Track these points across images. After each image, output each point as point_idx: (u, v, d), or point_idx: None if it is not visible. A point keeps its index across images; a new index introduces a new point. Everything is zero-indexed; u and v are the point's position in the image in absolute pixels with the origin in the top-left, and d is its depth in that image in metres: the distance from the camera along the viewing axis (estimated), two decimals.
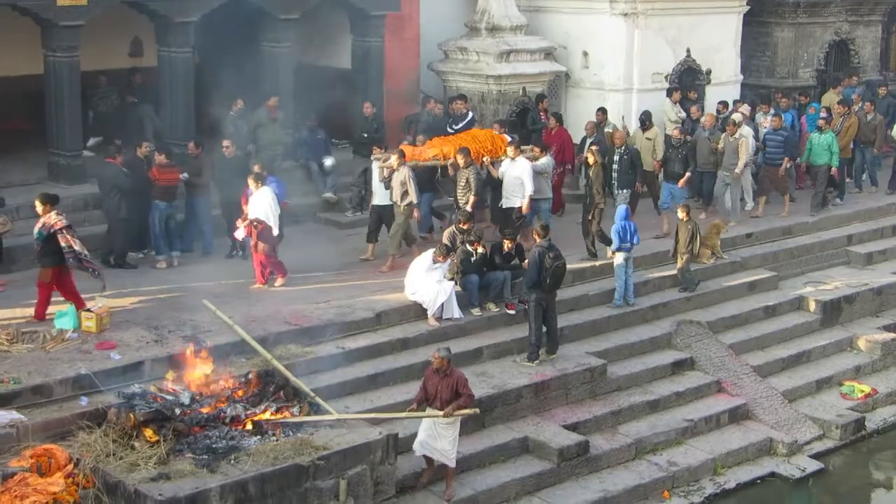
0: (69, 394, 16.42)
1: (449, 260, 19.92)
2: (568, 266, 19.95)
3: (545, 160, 23.01)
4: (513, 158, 22.41)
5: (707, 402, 20.45)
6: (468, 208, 21.33)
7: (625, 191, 23.69)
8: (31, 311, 18.60)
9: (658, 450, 19.09)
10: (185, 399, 16.25)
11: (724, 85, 29.35)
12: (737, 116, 26.60)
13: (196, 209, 22.19)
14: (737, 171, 24.88)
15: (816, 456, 19.87)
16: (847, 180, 28.43)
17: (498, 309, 20.46)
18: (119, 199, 20.98)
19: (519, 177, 22.31)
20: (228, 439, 15.53)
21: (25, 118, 23.93)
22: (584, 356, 20.00)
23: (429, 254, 19.95)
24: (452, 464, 16.82)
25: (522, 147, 23.18)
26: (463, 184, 21.94)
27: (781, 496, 19.07)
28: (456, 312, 19.94)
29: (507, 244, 20.46)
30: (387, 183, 21.82)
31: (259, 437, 15.68)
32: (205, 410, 16.14)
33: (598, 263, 22.43)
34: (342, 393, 17.56)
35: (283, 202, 21.27)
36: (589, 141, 24.85)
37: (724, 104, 28.11)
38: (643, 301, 22.03)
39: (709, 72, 29.09)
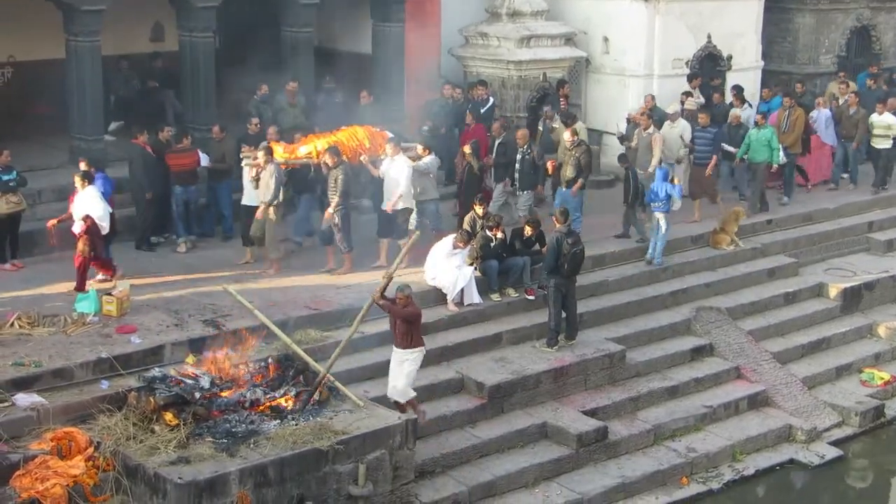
0: (90, 377, 16.52)
1: (469, 245, 19.93)
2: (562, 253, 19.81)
3: (428, 159, 21.53)
4: (391, 157, 21.09)
5: (726, 388, 20.45)
6: (331, 209, 20.39)
7: (525, 193, 22.69)
8: (49, 292, 18.87)
9: (677, 436, 19.09)
10: (206, 383, 16.29)
11: (745, 71, 29.28)
12: (673, 108, 25.62)
13: (218, 193, 22.29)
14: (649, 169, 23.14)
15: (835, 443, 19.84)
16: (842, 177, 27.61)
17: (517, 294, 20.47)
18: (142, 180, 21.11)
19: (397, 177, 21.01)
20: (248, 423, 15.57)
21: (47, 102, 23.98)
22: (603, 342, 20.01)
23: (449, 239, 19.97)
24: (406, 397, 16.85)
25: (405, 145, 21.79)
26: (332, 184, 20.51)
27: (800, 483, 19.06)
28: (475, 298, 19.96)
29: (527, 230, 20.45)
30: (256, 182, 20.78)
31: (278, 421, 15.71)
32: (225, 394, 16.20)
33: (616, 250, 22.41)
34: (362, 377, 17.61)
35: (109, 197, 20.35)
36: (497, 142, 23.17)
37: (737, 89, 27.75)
38: (663, 287, 22.04)
39: (730, 58, 29.03)
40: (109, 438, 15.11)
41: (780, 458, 19.30)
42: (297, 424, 15.61)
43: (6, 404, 15.59)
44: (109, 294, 18.29)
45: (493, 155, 23.14)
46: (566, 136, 22.91)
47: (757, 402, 20.29)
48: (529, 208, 22.68)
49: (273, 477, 14.83)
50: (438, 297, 19.88)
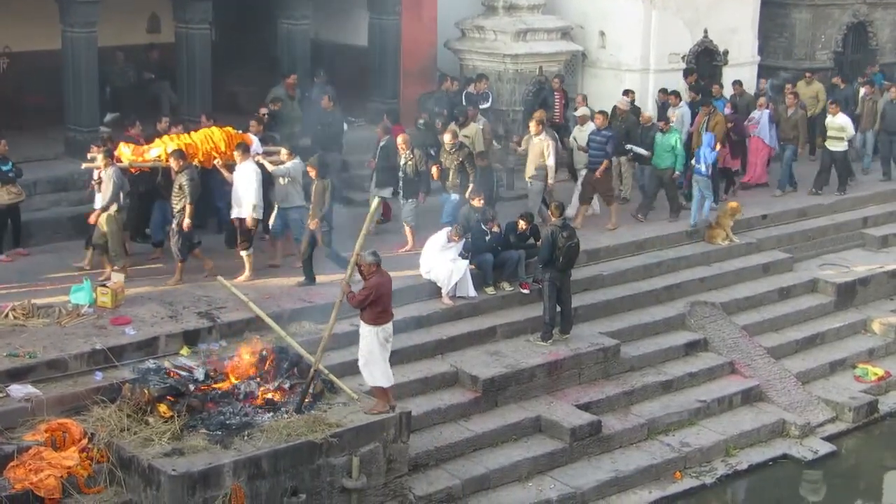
0: (84, 368, 16.52)
1: (464, 240, 19.93)
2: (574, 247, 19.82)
3: (291, 164, 20.00)
4: (240, 163, 19.73)
5: (720, 383, 20.48)
6: (187, 219, 19.05)
7: (409, 201, 21.57)
8: (47, 286, 18.79)
9: (670, 430, 19.12)
10: (200, 375, 16.31)
11: (742, 66, 29.26)
12: (582, 111, 24.52)
13: (210, 185, 22.11)
14: (550, 180, 22.40)
15: (829, 438, 19.89)
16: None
17: (512, 288, 20.48)
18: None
19: (244, 185, 19.62)
20: (242, 415, 15.58)
21: (43, 93, 23.95)
22: (597, 336, 20.03)
23: (444, 232, 19.98)
24: (371, 381, 16.34)
25: (269, 149, 20.75)
26: (177, 189, 19.19)
27: (793, 478, 19.09)
28: (470, 291, 19.97)
29: (521, 224, 20.46)
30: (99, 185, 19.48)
31: (272, 413, 15.73)
32: (219, 386, 16.21)
33: (611, 244, 22.43)
34: (356, 370, 17.56)
35: None
36: (381, 145, 22.23)
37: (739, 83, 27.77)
38: (657, 282, 22.07)
39: (726, 53, 29.01)
40: (103, 430, 15.11)
41: (773, 453, 19.33)
42: (290, 417, 15.63)
43: (0, 395, 15.58)
44: (104, 285, 18.29)
45: (375, 159, 22.27)
46: (446, 137, 21.87)
47: (751, 397, 20.32)
48: (413, 217, 21.61)
49: (267, 469, 14.85)
50: (433, 290, 19.88)
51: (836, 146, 26.29)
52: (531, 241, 20.52)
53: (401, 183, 21.62)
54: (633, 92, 26.22)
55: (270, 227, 20.39)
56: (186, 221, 19.08)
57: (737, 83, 27.56)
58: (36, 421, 15.37)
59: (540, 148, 22.36)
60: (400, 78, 26.65)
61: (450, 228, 19.95)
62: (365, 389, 16.60)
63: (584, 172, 23.43)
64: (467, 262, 19.95)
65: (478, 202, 20.46)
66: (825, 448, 19.60)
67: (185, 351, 17.24)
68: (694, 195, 23.83)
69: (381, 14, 26.44)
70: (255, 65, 26.19)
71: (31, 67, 24.07)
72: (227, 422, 15.41)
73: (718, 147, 23.80)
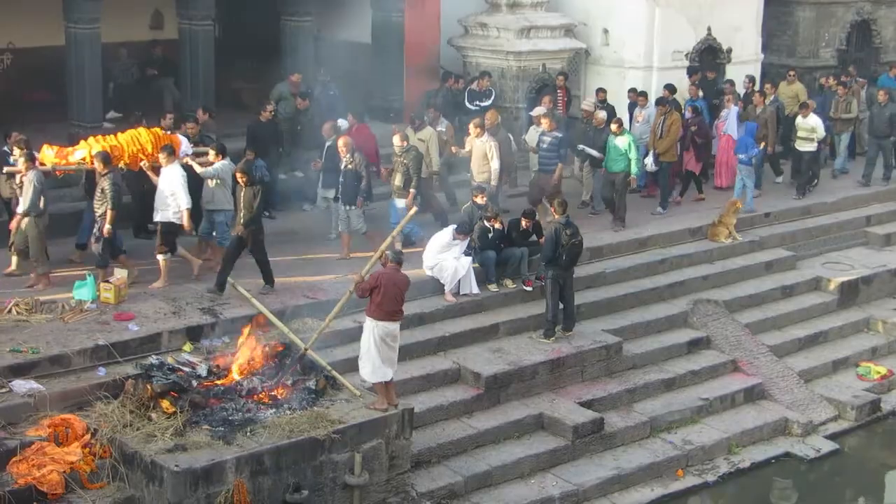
0: (87, 364, 16.54)
1: (468, 238, 19.93)
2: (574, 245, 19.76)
3: (220, 165, 19.54)
4: (165, 165, 19.12)
5: (722, 381, 20.46)
6: (107, 224, 18.47)
7: (351, 208, 20.75)
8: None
9: (673, 428, 19.11)
10: (202, 371, 16.32)
11: (745, 64, 29.21)
12: (538, 109, 24.05)
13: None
14: (493, 182, 21.94)
15: (831, 437, 19.88)
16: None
17: (515, 285, 20.47)
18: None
19: (168, 188, 19.03)
20: (244, 412, 15.59)
21: (46, 89, 23.98)
22: (600, 333, 20.02)
23: (448, 230, 19.98)
24: (361, 374, 16.38)
25: (197, 150, 20.21)
26: (99, 193, 18.59)
27: (796, 476, 19.08)
28: (473, 288, 19.97)
29: (524, 221, 20.46)
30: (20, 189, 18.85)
31: (275, 409, 15.74)
32: (221, 382, 16.22)
33: (614, 242, 22.44)
34: (358, 367, 17.60)
35: None
36: (327, 145, 21.59)
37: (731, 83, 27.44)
38: (660, 280, 22.06)
39: (729, 50, 28.99)
40: (106, 425, 15.13)
41: (775, 451, 19.32)
42: (293, 413, 15.64)
43: (3, 391, 15.60)
44: (107, 281, 18.30)
45: (322, 160, 21.66)
46: (395, 140, 21.29)
47: (753, 395, 20.31)
48: (365, 223, 20.94)
49: (269, 465, 14.86)
50: (436, 287, 19.87)
51: (805, 147, 26.09)
52: (534, 237, 20.52)
53: (340, 187, 20.87)
54: (604, 91, 26.01)
55: (199, 229, 19.88)
56: (107, 227, 18.50)
57: (728, 82, 27.45)
58: (39, 416, 15.39)
59: (482, 150, 21.99)
60: (403, 75, 26.63)
61: (455, 226, 19.93)
62: (367, 386, 16.60)
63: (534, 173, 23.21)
64: (470, 259, 19.94)
65: (481, 199, 20.46)
66: (827, 446, 19.59)
67: (187, 347, 17.25)
68: (737, 184, 24.46)
69: (384, 11, 26.46)
70: (258, 62, 26.19)
71: (34, 63, 24.15)
72: (230, 418, 15.42)
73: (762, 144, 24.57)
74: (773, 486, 18.92)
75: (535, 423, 18.25)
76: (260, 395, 16.03)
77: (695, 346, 20.93)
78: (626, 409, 19.15)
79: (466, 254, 19.97)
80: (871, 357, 22.28)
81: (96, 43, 22.66)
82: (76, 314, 17.68)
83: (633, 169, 22.96)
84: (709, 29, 28.52)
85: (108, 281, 18.31)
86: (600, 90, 26.05)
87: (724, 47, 28.89)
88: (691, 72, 27.54)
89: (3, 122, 20.88)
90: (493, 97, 25.91)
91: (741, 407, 20.08)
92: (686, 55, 28.16)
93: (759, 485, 18.77)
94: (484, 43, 27.48)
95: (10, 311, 17.53)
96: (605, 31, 28.21)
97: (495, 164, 21.96)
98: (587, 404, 18.76)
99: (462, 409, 18.04)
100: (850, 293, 23.52)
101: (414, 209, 18.41)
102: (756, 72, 29.38)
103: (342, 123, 22.38)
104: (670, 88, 25.53)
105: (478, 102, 25.42)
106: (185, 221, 19.14)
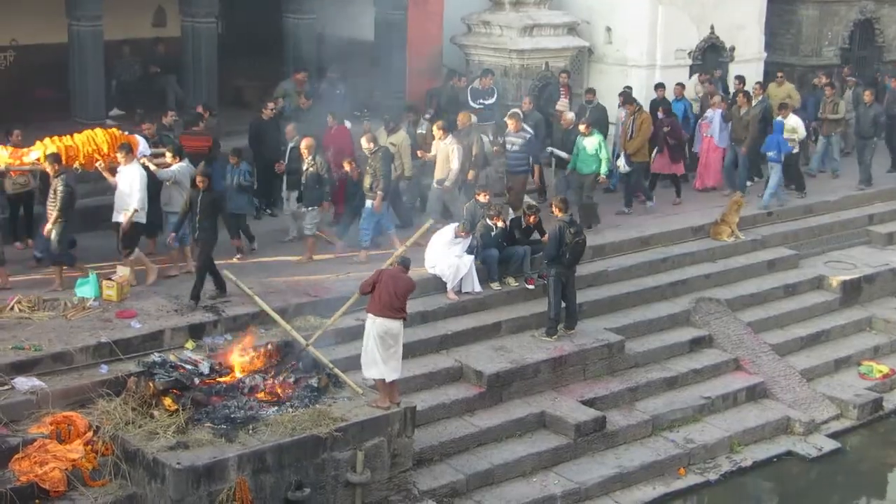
0: (89, 362, 16.53)
1: (471, 236, 19.92)
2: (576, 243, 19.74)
3: (177, 167, 19.43)
4: (123, 165, 18.89)
5: (725, 379, 20.46)
6: (49, 225, 18.25)
7: (312, 210, 20.47)
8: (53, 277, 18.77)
9: (675, 427, 19.11)
10: (205, 369, 16.33)
11: (748, 62, 29.21)
12: (512, 112, 23.58)
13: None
14: (447, 183, 21.66)
15: (833, 435, 19.87)
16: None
17: (517, 283, 20.47)
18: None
19: (127, 188, 18.81)
20: (247, 409, 15.60)
21: (49, 86, 23.98)
22: (602, 332, 20.01)
23: (450, 228, 19.98)
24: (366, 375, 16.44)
25: (155, 151, 20.00)
26: (52, 194, 18.31)
27: (798, 475, 19.08)
28: (476, 286, 19.97)
29: (527, 219, 20.46)
30: None
31: (277, 407, 15.74)
32: (223, 380, 16.22)
33: (616, 240, 22.43)
34: (361, 365, 17.62)
35: None
36: (290, 146, 21.31)
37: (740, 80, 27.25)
38: (662, 278, 22.05)
39: (732, 49, 28.98)
40: (108, 423, 15.14)
41: (777, 449, 19.32)
42: (295, 411, 15.65)
43: (6, 388, 15.59)
44: (110, 279, 18.30)
45: (286, 161, 21.35)
46: (362, 141, 20.99)
47: (755, 393, 20.30)
48: (315, 227, 20.71)
49: (271, 463, 14.87)
50: (438, 285, 19.87)
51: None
52: (536, 236, 20.52)
53: (302, 190, 20.67)
54: (592, 91, 25.95)
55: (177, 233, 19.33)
56: (47, 227, 18.24)
57: (738, 79, 27.34)
58: (41, 413, 15.38)
59: (446, 152, 21.76)
60: (406, 73, 26.62)
61: (457, 224, 19.94)
62: (369, 384, 16.61)
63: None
64: (472, 257, 19.94)
65: (483, 197, 20.45)
66: (829, 445, 19.59)
67: (189, 344, 17.25)
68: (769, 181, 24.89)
69: (387, 9, 26.44)
70: (260, 59, 26.18)
71: (37, 61, 24.13)
72: (232, 415, 15.43)
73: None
74: (775, 485, 18.90)
75: (537, 421, 18.25)
76: (262, 393, 16.04)
77: (697, 344, 20.93)
78: (628, 408, 19.15)
79: (469, 252, 19.98)
80: (873, 356, 22.27)
81: (99, 40, 22.68)
82: (78, 311, 17.69)
83: (603, 169, 22.88)
84: (712, 27, 28.53)
85: (110, 279, 18.31)
86: (589, 90, 26.08)
87: (728, 46, 28.88)
88: (698, 70, 27.52)
89: (6, 120, 20.88)
90: (495, 95, 25.88)
91: (743, 405, 20.08)
92: (689, 53, 28.17)
93: (761, 483, 18.78)
94: (487, 41, 27.48)
95: (12, 309, 17.54)
96: (609, 30, 28.20)
97: (454, 165, 21.62)
98: (589, 403, 18.76)
99: (464, 408, 18.04)
100: (853, 292, 23.52)
101: (430, 221, 18.44)
102: (759, 70, 29.37)
103: (347, 124, 22.41)
104: (662, 87, 25.73)
105: (481, 101, 25.40)
106: (125, 221, 18.76)
